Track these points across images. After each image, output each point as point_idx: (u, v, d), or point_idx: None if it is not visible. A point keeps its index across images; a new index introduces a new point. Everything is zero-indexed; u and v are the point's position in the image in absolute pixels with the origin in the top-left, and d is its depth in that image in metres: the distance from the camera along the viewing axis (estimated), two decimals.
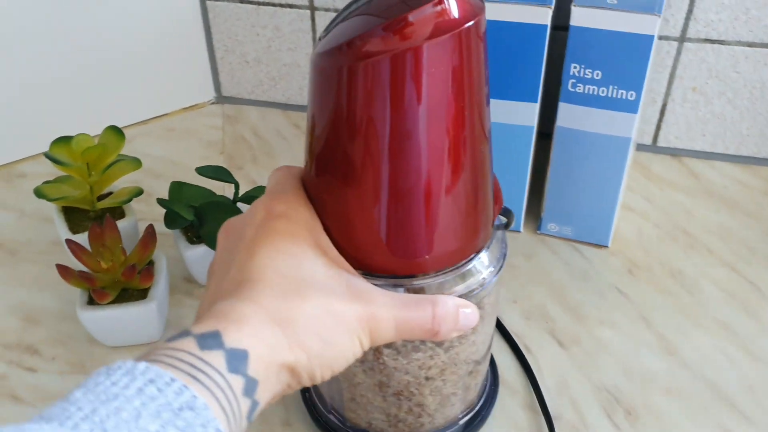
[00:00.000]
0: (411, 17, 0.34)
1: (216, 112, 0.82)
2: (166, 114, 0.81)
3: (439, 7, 0.34)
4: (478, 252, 0.43)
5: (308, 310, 0.35)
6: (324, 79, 0.37)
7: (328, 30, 0.38)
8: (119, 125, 0.61)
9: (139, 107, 0.79)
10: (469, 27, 0.35)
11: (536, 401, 0.53)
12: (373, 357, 0.44)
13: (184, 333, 0.33)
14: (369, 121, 0.36)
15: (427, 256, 0.40)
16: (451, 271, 0.42)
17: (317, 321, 0.35)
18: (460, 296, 0.42)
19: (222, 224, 0.41)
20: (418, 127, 0.36)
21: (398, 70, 0.35)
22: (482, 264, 0.43)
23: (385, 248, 0.40)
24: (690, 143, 0.73)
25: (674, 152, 0.74)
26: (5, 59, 0.69)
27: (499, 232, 0.46)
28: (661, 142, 0.74)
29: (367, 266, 0.41)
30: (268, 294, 0.35)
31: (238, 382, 0.32)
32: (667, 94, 0.71)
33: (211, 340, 0.32)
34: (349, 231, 0.40)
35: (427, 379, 0.45)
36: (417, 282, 0.41)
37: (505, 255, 0.45)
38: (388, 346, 0.44)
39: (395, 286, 0.41)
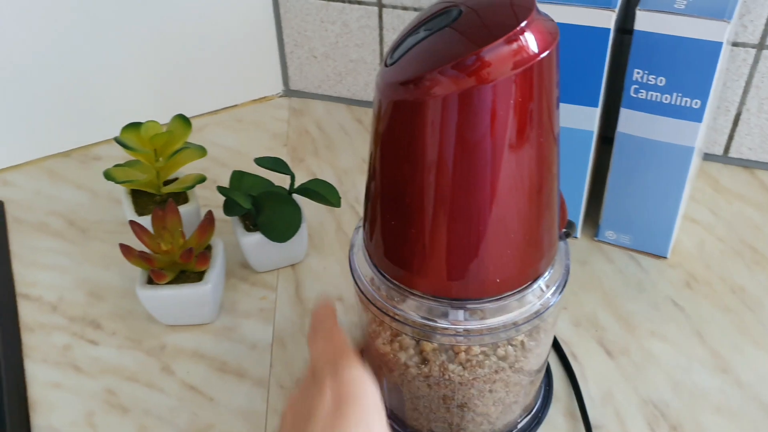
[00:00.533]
0: (485, 55, 0.33)
1: (283, 105, 0.84)
2: (236, 105, 0.84)
3: (515, 45, 0.33)
4: (541, 274, 0.43)
5: None
6: (390, 107, 0.36)
7: (394, 50, 0.36)
8: (191, 114, 0.64)
9: (211, 98, 0.82)
10: (542, 58, 0.34)
11: (578, 409, 0.52)
12: (439, 372, 0.45)
13: None
14: (437, 155, 0.36)
15: (497, 279, 0.40)
16: (512, 294, 0.42)
17: None
18: (525, 318, 0.42)
19: (283, 231, 0.41)
20: (487, 160, 0.35)
21: (467, 107, 0.34)
22: (545, 284, 0.43)
23: (448, 272, 0.40)
24: (764, 155, 0.70)
25: (746, 164, 0.71)
26: (91, 49, 0.73)
27: (563, 250, 0.45)
28: (732, 153, 0.71)
29: (430, 288, 0.41)
30: None
31: None
32: (742, 103, 0.68)
33: None
34: (417, 254, 0.40)
35: (491, 391, 0.46)
36: (480, 305, 0.42)
37: (567, 273, 0.45)
38: (453, 361, 0.45)
39: (457, 309, 0.42)
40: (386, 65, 0.37)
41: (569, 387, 0.53)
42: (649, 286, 0.60)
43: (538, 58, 0.34)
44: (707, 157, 0.72)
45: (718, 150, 0.71)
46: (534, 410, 0.52)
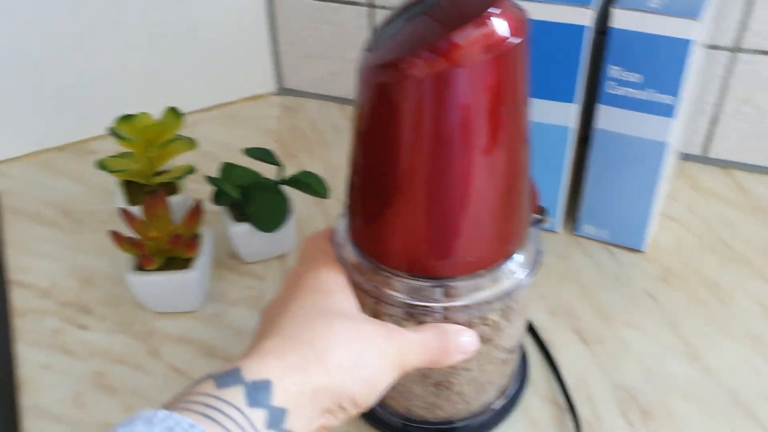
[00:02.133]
0: (457, 39, 0.35)
1: (276, 103, 0.86)
2: (230, 102, 0.86)
3: (485, 29, 0.35)
4: (513, 254, 0.44)
5: (336, 331, 0.36)
6: (370, 90, 0.39)
7: (377, 38, 0.39)
8: (186, 110, 0.66)
9: (204, 95, 0.84)
10: (513, 44, 0.36)
11: (557, 393, 0.53)
12: None
13: (205, 377, 0.33)
14: (413, 137, 0.38)
15: (467, 259, 0.42)
16: (488, 272, 0.44)
17: (346, 341, 0.36)
18: (497, 297, 0.44)
19: (263, 204, 0.46)
20: (461, 143, 0.37)
21: (441, 89, 0.36)
22: (517, 265, 0.45)
23: (425, 251, 0.42)
24: (741, 156, 0.72)
25: (724, 164, 0.73)
26: (87, 46, 0.75)
27: (535, 235, 0.47)
28: (711, 154, 0.73)
29: (408, 267, 0.43)
30: (292, 324, 0.36)
31: (259, 415, 0.32)
32: (719, 105, 0.70)
33: (229, 378, 0.32)
34: (390, 233, 0.42)
35: (465, 370, 0.47)
36: (454, 283, 0.43)
37: (540, 257, 0.47)
38: None
39: (434, 287, 0.43)
40: (368, 51, 0.39)
41: (546, 372, 0.55)
42: (626, 279, 0.62)
43: (509, 43, 0.36)
44: (687, 157, 0.74)
45: (697, 150, 0.73)
46: (509, 393, 0.53)
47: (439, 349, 0.41)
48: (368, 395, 0.37)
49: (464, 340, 0.42)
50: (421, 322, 0.46)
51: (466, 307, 0.44)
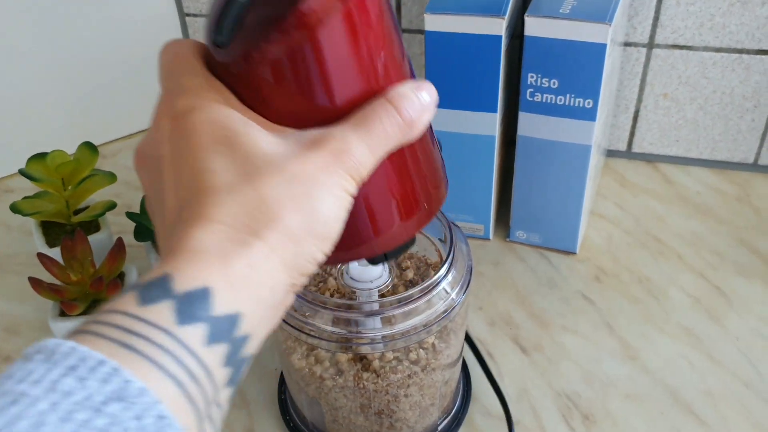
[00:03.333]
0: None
1: None
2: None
3: None
4: (420, 225, 0.37)
5: (270, 193, 0.28)
6: (268, 69, 0.31)
7: (218, 28, 0.30)
8: (105, 140, 0.63)
9: (125, 122, 0.81)
10: None
11: (498, 407, 0.53)
12: (354, 383, 0.45)
13: (129, 287, 0.26)
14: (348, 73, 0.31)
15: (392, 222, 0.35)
16: (419, 297, 0.43)
17: (287, 197, 0.28)
18: (432, 320, 0.44)
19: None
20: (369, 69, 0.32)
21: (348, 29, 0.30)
22: (449, 286, 0.44)
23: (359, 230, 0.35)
24: (664, 149, 0.73)
25: (649, 158, 0.74)
26: None
27: (465, 252, 0.47)
28: (635, 149, 0.74)
29: (349, 248, 0.35)
30: (216, 200, 0.28)
31: (194, 333, 0.25)
32: (639, 100, 0.71)
33: (155, 290, 0.25)
34: None
35: (406, 396, 0.47)
36: (390, 312, 0.43)
37: (470, 274, 0.46)
38: (368, 369, 0.45)
39: (369, 316, 0.43)
40: (219, 45, 0.31)
41: (487, 386, 0.55)
42: (560, 281, 0.62)
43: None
44: (612, 153, 0.75)
45: (622, 146, 0.74)
46: (453, 411, 0.53)
47: (399, 127, 0.31)
48: (328, 246, 0.30)
49: (423, 96, 0.32)
50: (358, 354, 0.46)
51: (403, 333, 0.43)
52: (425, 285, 0.44)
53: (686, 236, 0.66)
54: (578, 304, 0.60)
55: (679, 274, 0.63)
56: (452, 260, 0.45)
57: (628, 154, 0.75)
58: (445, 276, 0.44)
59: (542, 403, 0.53)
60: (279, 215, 0.28)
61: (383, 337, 0.44)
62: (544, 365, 0.56)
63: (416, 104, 0.32)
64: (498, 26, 0.54)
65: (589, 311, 0.60)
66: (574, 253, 0.64)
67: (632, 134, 0.73)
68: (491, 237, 0.66)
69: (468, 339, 0.58)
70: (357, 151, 0.30)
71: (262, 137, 0.29)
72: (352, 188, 0.30)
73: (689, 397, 0.53)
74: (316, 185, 0.29)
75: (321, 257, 0.29)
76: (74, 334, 0.25)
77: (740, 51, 0.66)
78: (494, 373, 0.55)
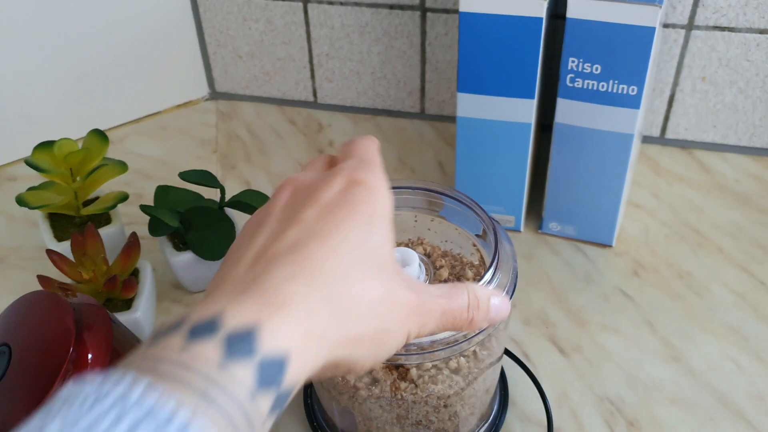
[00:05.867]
0: None
1: (210, 108, 0.80)
2: (159, 112, 0.79)
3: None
4: None
5: (373, 292, 0.30)
6: None
7: None
8: (111, 125, 0.60)
9: (131, 105, 0.77)
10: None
11: (540, 412, 0.50)
12: (391, 393, 0.42)
13: (207, 328, 0.25)
14: None
15: None
16: None
17: (380, 304, 0.30)
18: (477, 336, 0.41)
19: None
20: None
21: None
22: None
23: None
24: (700, 135, 0.70)
25: (684, 144, 0.71)
26: None
27: (509, 252, 0.43)
28: (670, 134, 0.71)
29: None
30: (330, 266, 0.29)
31: (266, 401, 0.25)
32: (675, 84, 0.67)
33: (241, 344, 0.25)
34: None
35: (446, 406, 0.44)
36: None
37: (516, 277, 0.43)
38: (404, 379, 0.42)
39: None
40: None
41: (526, 390, 0.52)
42: (597, 276, 0.59)
43: None
44: (646, 139, 0.71)
45: (656, 132, 0.71)
46: (491, 418, 0.50)
47: (464, 321, 0.34)
48: (370, 365, 0.31)
49: (495, 305, 0.35)
50: (394, 363, 0.42)
51: (445, 343, 0.40)
52: None
53: (726, 228, 0.63)
54: (617, 301, 0.57)
55: (721, 268, 0.60)
56: (497, 263, 0.42)
57: (662, 140, 0.71)
58: (490, 282, 0.41)
59: (583, 408, 0.51)
60: (366, 319, 0.30)
61: (420, 348, 0.41)
62: (584, 367, 0.53)
63: (485, 316, 0.35)
64: (539, 7, 0.50)
65: (629, 308, 0.57)
66: (611, 246, 0.61)
67: (666, 119, 0.70)
68: (522, 229, 0.63)
69: None
70: (431, 317, 0.33)
71: (389, 247, 0.32)
72: (412, 336, 0.32)
73: (739, 401, 0.50)
74: (398, 313, 0.31)
75: (361, 368, 0.31)
76: (144, 371, 0.24)
77: None
78: (536, 376, 0.52)
